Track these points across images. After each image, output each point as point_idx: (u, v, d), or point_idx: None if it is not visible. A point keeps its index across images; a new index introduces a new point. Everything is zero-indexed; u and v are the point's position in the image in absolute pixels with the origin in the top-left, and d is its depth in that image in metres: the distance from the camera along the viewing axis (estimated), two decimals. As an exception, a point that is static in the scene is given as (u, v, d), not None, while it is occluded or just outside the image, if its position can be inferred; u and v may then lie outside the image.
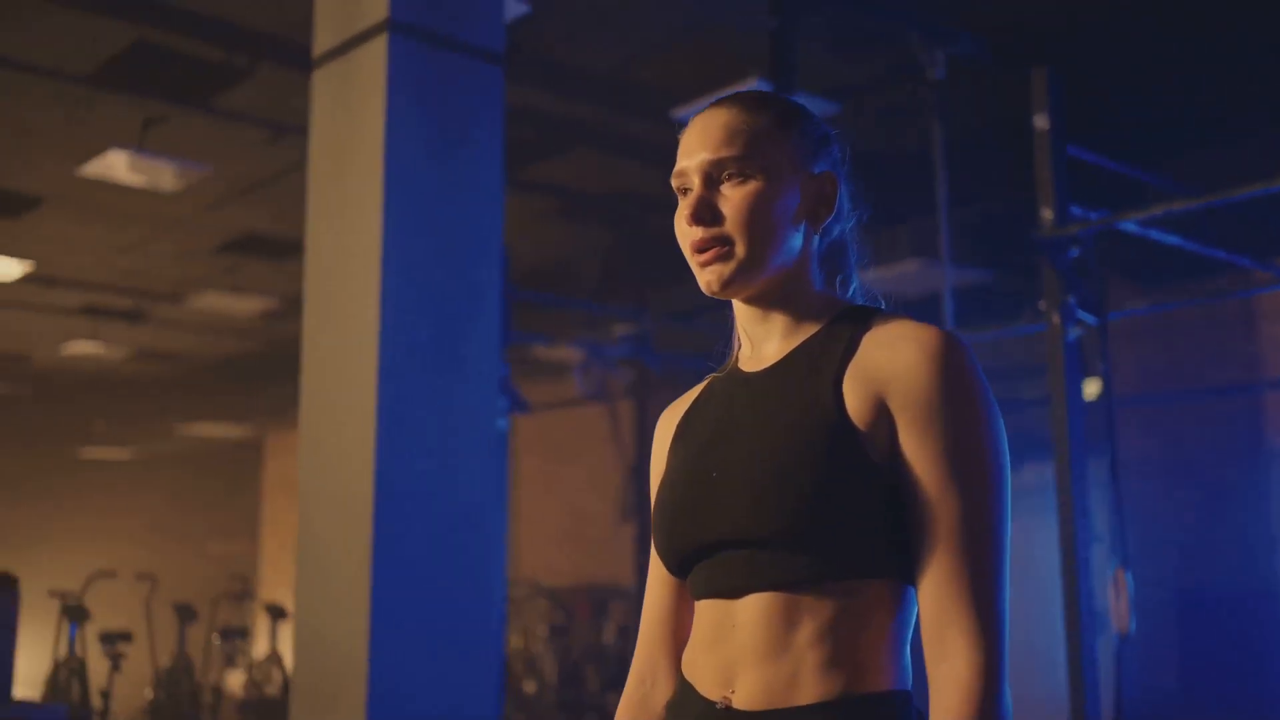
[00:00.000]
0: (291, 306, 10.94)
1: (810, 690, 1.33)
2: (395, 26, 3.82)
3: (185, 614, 8.91)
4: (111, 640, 8.18)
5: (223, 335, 12.93)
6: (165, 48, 6.65)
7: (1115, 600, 4.10)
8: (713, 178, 1.47)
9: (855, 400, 1.37)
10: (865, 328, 1.44)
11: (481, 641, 3.83)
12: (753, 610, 1.37)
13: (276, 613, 9.78)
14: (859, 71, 6.72)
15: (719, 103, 1.51)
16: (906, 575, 1.37)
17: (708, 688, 1.40)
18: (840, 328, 1.46)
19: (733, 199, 1.45)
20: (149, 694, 8.74)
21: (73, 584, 9.35)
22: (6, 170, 8.49)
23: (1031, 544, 6.31)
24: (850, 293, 1.56)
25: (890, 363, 1.37)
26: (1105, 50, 6.33)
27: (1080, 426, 4.20)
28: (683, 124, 6.58)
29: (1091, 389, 4.69)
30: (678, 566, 1.46)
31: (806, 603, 1.35)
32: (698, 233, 1.46)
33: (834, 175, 1.52)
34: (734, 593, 1.39)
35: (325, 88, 4.06)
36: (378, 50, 3.83)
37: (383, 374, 3.69)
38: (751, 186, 1.45)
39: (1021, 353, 6.85)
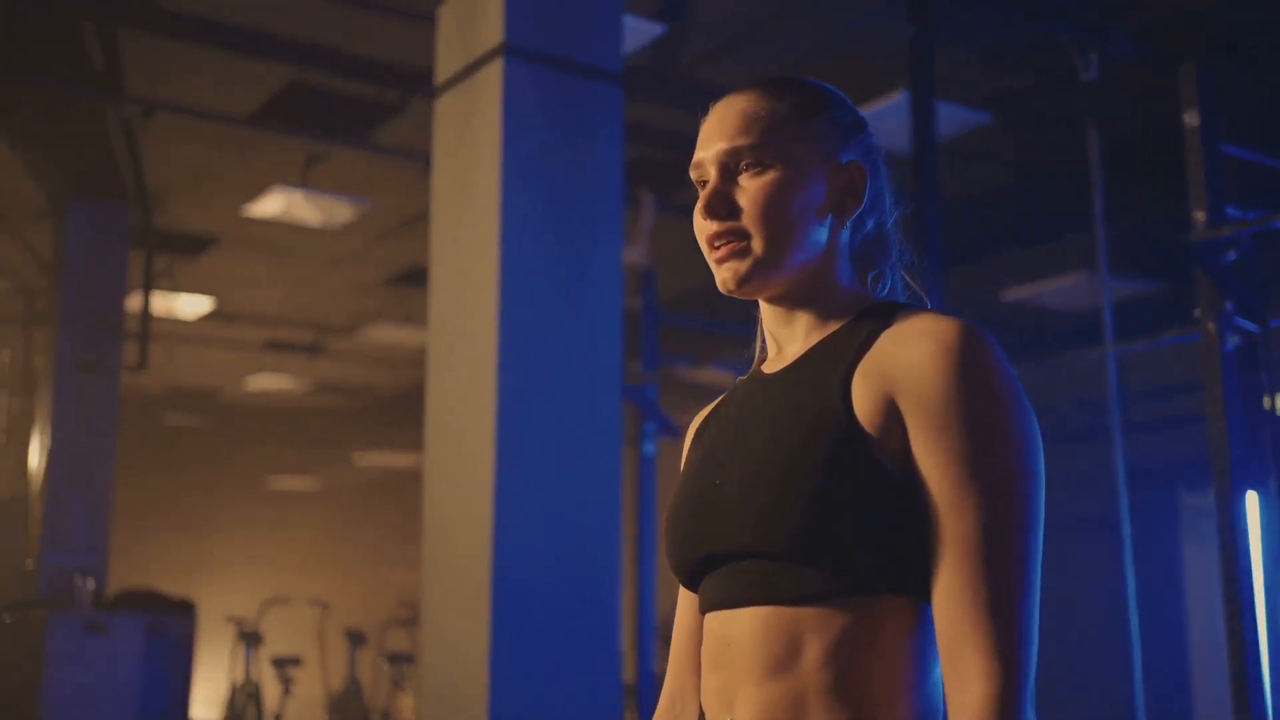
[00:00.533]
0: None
1: (820, 715, 1.23)
2: (511, 50, 3.83)
3: (356, 639, 9.11)
4: (283, 664, 8.40)
5: (396, 366, 13.25)
6: (320, 87, 6.85)
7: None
8: (729, 169, 1.38)
9: (864, 401, 1.26)
10: (886, 324, 1.31)
11: (602, 666, 3.77)
12: (754, 626, 1.27)
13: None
14: (1009, 80, 6.49)
15: (740, 89, 1.43)
16: (929, 592, 1.24)
17: (711, 710, 1.31)
18: (861, 325, 1.34)
19: (750, 190, 1.36)
20: (320, 717, 8.95)
21: (248, 610, 9.65)
22: (181, 212, 8.87)
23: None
24: (885, 290, 1.46)
25: (903, 359, 1.25)
26: (1268, 43, 5.98)
27: (1241, 443, 3.93)
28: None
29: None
30: (687, 579, 1.38)
31: (812, 620, 1.23)
32: (712, 226, 1.37)
33: (862, 165, 1.40)
34: (735, 607, 1.29)
35: (447, 115, 4.10)
36: (494, 75, 3.84)
37: (502, 401, 3.68)
38: (770, 177, 1.35)
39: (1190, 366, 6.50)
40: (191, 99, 6.99)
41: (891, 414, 1.24)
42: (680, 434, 6.55)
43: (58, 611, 7.10)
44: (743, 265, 1.36)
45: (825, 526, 1.22)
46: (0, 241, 9.47)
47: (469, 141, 3.91)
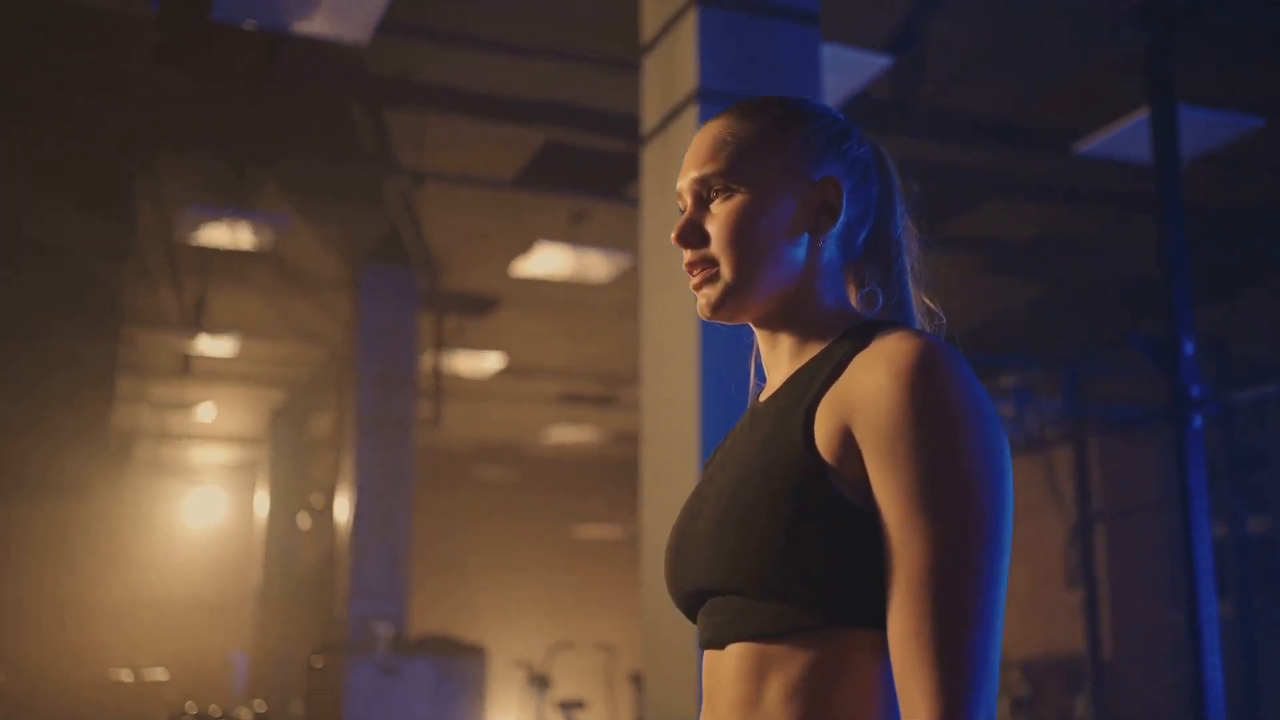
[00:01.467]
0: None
1: None
2: (705, 95, 3.87)
3: (640, 683, 9.24)
4: (570, 707, 8.63)
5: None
6: (574, 146, 7.09)
7: None
8: (701, 196, 1.37)
9: (824, 431, 1.21)
10: (862, 346, 1.26)
11: None
12: (731, 663, 1.24)
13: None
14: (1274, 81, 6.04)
15: (717, 114, 1.42)
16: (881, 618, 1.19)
17: None
18: (838, 348, 1.29)
19: (718, 216, 1.34)
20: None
21: (537, 654, 9.96)
22: (462, 274, 9.35)
23: None
24: (878, 308, 1.39)
25: (861, 384, 1.20)
26: None
27: None
28: (1084, 159, 6.17)
29: None
30: (685, 613, 1.36)
31: (778, 655, 1.20)
32: (687, 255, 1.36)
33: (837, 179, 1.35)
34: (718, 644, 1.27)
35: (652, 163, 4.18)
36: (689, 121, 3.89)
37: (704, 442, 3.70)
38: (735, 201, 1.34)
39: None
40: (457, 167, 7.38)
41: (849, 443, 1.20)
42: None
43: (358, 655, 7.56)
44: (714, 292, 1.34)
45: (785, 564, 1.18)
46: (308, 308, 10.22)
47: (669, 190, 3.97)
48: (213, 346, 10.75)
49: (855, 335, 1.30)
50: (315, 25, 5.31)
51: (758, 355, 1.44)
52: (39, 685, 14.63)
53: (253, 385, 12.89)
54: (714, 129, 1.38)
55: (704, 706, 1.30)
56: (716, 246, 1.34)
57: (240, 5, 5.08)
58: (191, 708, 10.13)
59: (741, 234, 1.32)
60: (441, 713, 7.56)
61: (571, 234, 8.18)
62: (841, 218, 1.36)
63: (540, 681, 8.99)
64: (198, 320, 10.10)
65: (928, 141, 6.82)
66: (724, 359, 3.77)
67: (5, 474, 13.36)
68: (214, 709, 10.07)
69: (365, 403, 9.11)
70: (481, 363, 11.23)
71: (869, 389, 1.19)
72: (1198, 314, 4.64)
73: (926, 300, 1.43)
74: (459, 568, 15.23)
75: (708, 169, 1.35)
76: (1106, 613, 9.54)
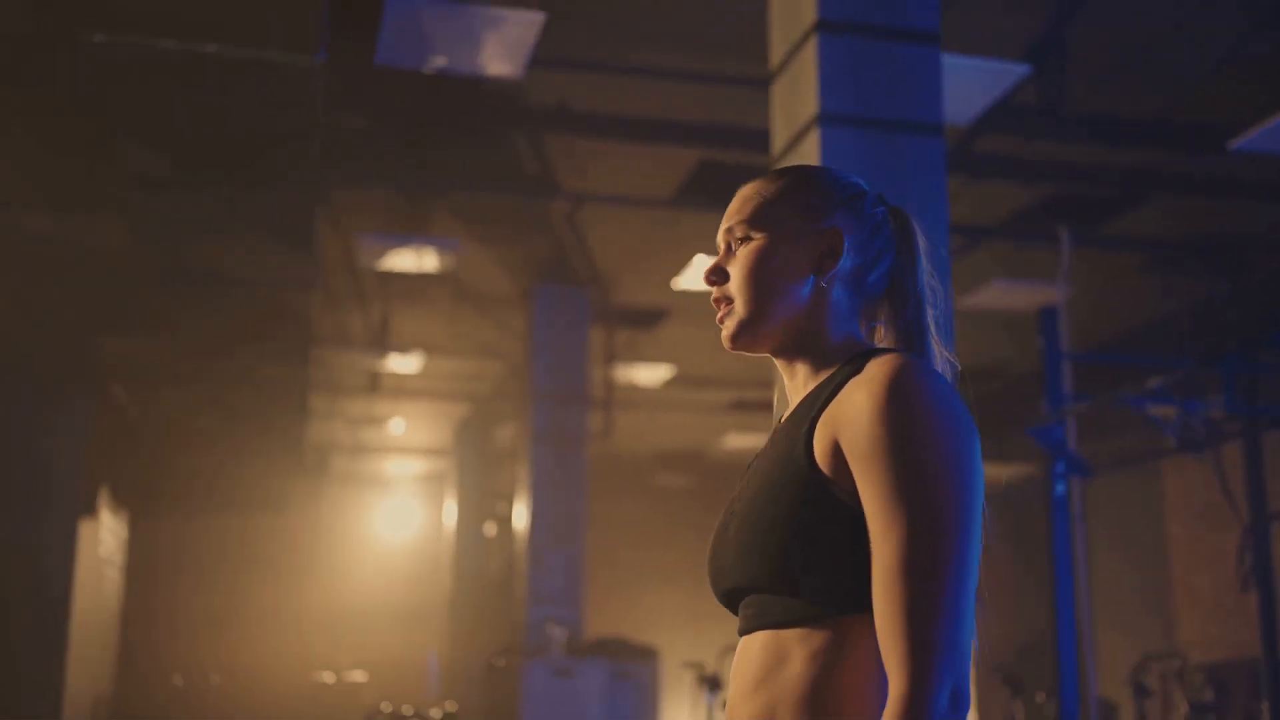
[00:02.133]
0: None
1: None
2: (827, 118, 4.05)
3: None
4: (739, 709, 8.82)
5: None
6: (725, 163, 7.31)
7: None
8: (729, 244, 1.58)
9: (820, 447, 1.40)
10: (857, 370, 1.44)
11: None
12: (757, 647, 1.44)
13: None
14: None
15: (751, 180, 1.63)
16: None
17: (729, 717, 1.49)
18: (839, 373, 1.48)
19: (737, 259, 1.56)
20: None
21: (707, 656, 10.19)
22: (629, 289, 9.65)
23: None
24: (880, 339, 1.58)
25: (846, 404, 1.39)
26: None
27: None
28: (1238, 155, 6.12)
29: None
30: (728, 608, 1.56)
31: (793, 641, 1.40)
32: (713, 293, 1.58)
33: (840, 229, 1.54)
34: (748, 632, 1.47)
35: (780, 185, 4.38)
36: (812, 144, 4.07)
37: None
38: (751, 246, 1.55)
39: None
40: (617, 188, 7.68)
41: (841, 456, 1.39)
42: (1091, 472, 6.38)
43: (533, 658, 7.92)
44: (731, 325, 1.56)
45: (796, 565, 1.39)
46: (485, 326, 10.67)
47: (796, 208, 4.16)
48: (399, 364, 11.31)
49: (854, 361, 1.49)
50: (471, 63, 5.66)
51: (781, 383, 1.64)
52: (250, 686, 15.52)
53: (438, 400, 13.46)
54: (746, 189, 1.60)
55: (732, 684, 1.50)
56: (733, 284, 1.56)
57: (401, 49, 5.46)
58: (386, 707, 10.68)
59: (754, 273, 1.54)
60: (614, 713, 7.85)
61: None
62: (845, 262, 1.55)
63: (711, 683, 9.23)
64: (383, 340, 10.66)
65: (1078, 145, 6.82)
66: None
67: (214, 491, 14.25)
68: (407, 708, 10.60)
69: (540, 416, 9.49)
70: (652, 374, 11.51)
71: (852, 407, 1.39)
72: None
73: (944, 353, 1.60)
74: (634, 573, 15.60)
75: (733, 220, 1.58)
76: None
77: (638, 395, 12.30)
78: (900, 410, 1.35)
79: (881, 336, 1.60)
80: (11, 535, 9.97)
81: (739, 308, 1.55)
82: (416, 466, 17.25)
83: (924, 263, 1.61)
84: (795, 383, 1.57)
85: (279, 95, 4.79)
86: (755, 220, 1.55)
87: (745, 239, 1.56)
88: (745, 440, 14.42)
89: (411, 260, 8.07)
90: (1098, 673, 13.14)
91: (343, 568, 17.15)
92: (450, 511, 15.49)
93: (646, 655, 8.42)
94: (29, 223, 7.05)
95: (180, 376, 10.39)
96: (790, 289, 1.54)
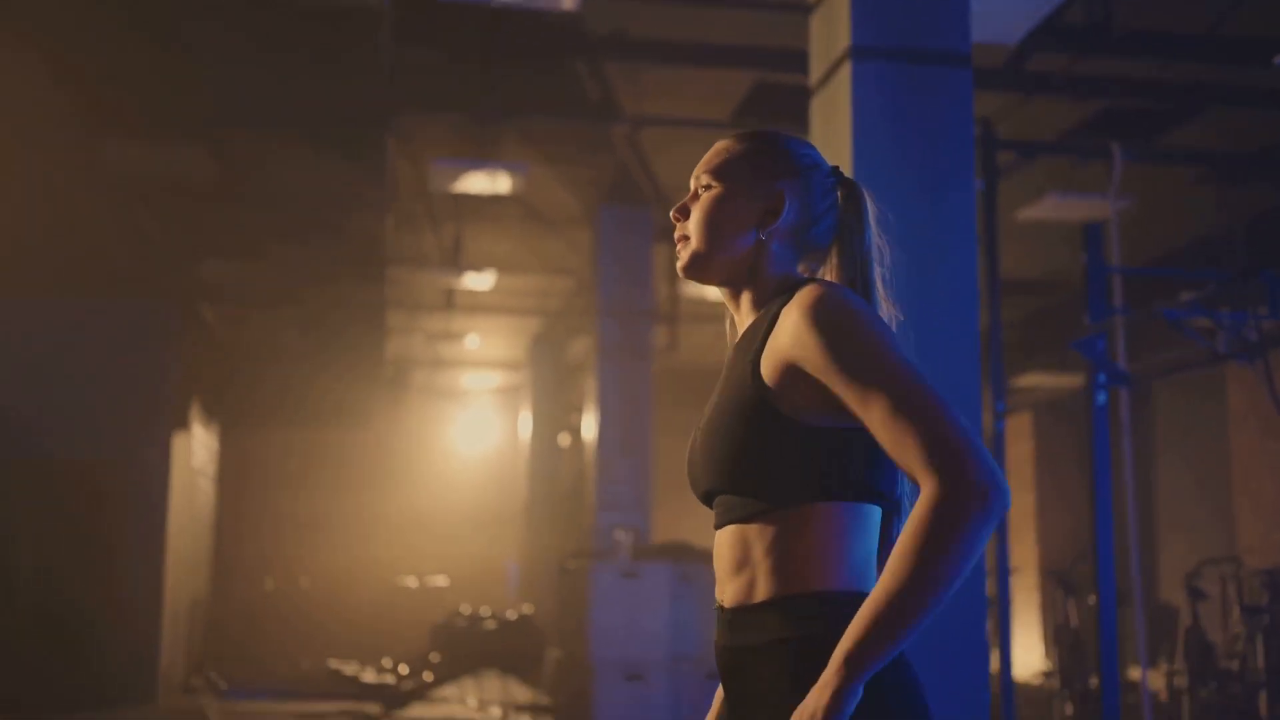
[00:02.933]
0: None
1: (762, 592, 1.70)
2: (858, 53, 4.29)
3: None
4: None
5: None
6: (779, 85, 7.54)
7: None
8: (696, 190, 1.87)
9: (769, 369, 1.70)
10: (788, 299, 1.72)
11: (969, 641, 4.15)
12: (727, 538, 1.76)
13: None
14: None
15: (726, 136, 1.92)
16: (834, 494, 1.68)
17: (718, 595, 1.83)
18: (774, 305, 1.76)
19: (699, 203, 1.85)
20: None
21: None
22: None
23: None
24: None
25: (787, 332, 1.68)
26: None
27: None
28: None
29: None
30: (706, 506, 1.88)
31: (755, 531, 1.71)
32: (676, 229, 1.88)
33: (783, 192, 1.81)
34: (720, 527, 1.79)
35: (817, 114, 4.63)
36: (844, 77, 4.32)
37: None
38: (711, 194, 1.83)
39: None
40: (676, 111, 7.94)
41: (789, 373, 1.68)
42: (1124, 383, 6.61)
43: (601, 561, 8.35)
44: (685, 256, 1.85)
45: (748, 469, 1.71)
46: (554, 244, 11.02)
47: (833, 143, 4.41)
48: (472, 281, 11.72)
49: (783, 291, 1.78)
50: (531, -2, 5.94)
51: (730, 313, 1.92)
52: (337, 590, 16.28)
53: (511, 315, 13.87)
54: (718, 144, 1.89)
55: (716, 570, 1.83)
56: (691, 224, 1.84)
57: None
58: (465, 609, 11.27)
59: (706, 218, 1.82)
60: (677, 613, 8.27)
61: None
62: (785, 220, 1.83)
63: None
64: (456, 259, 11.06)
65: (1127, 61, 6.95)
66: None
67: (299, 405, 14.85)
68: (484, 609, 11.18)
69: (607, 331, 9.85)
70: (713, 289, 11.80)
71: (790, 330, 1.68)
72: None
73: (889, 306, 1.86)
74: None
75: (701, 169, 1.87)
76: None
77: (703, 309, 12.61)
78: (830, 321, 1.64)
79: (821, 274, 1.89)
80: (113, 447, 10.61)
81: (693, 243, 1.83)
82: (492, 380, 17.75)
83: (873, 226, 1.88)
84: (740, 314, 1.86)
85: (349, 32, 5.12)
86: (717, 173, 1.84)
87: (708, 187, 1.85)
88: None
89: (482, 183, 8.41)
90: (1160, 577, 13.40)
91: (423, 478, 17.78)
92: (525, 423, 15.98)
93: (709, 559, 8.82)
94: (127, 153, 7.50)
95: (266, 298, 10.88)
96: (735, 236, 1.82)
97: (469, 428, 18.54)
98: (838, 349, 1.63)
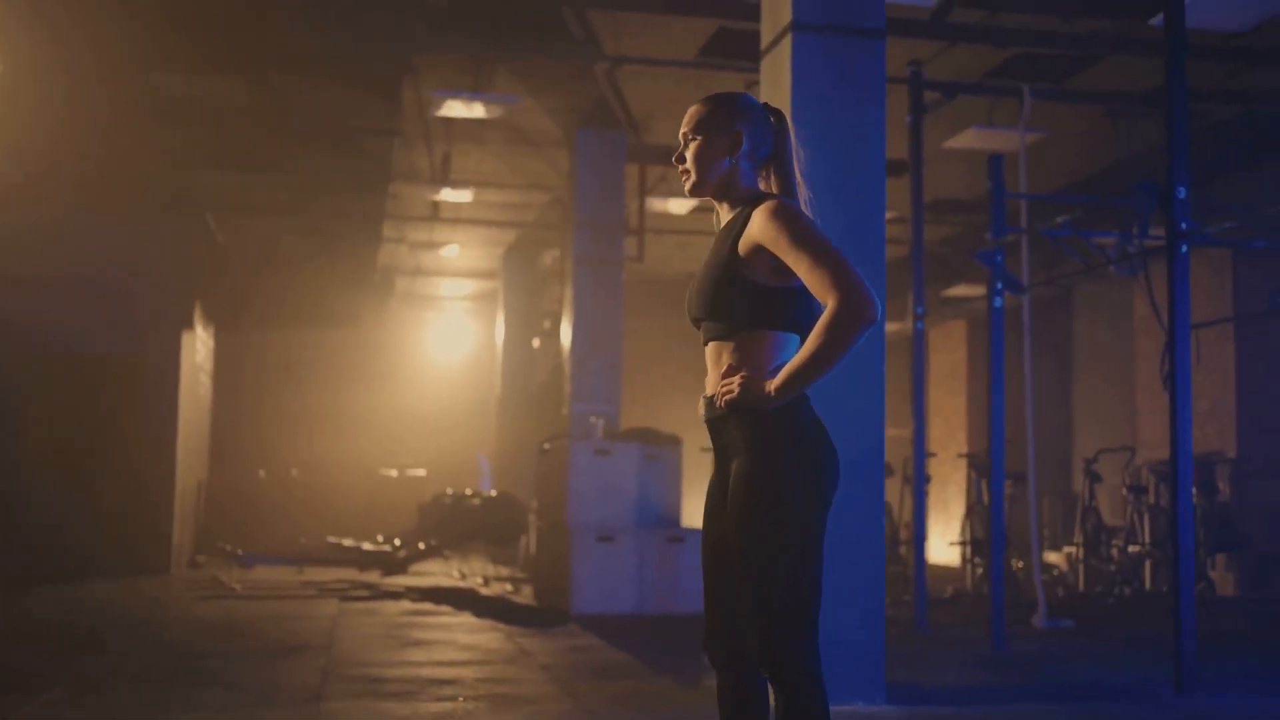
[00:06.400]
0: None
1: (731, 376, 2.96)
2: (799, 26, 5.51)
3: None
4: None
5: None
6: (740, 31, 8.72)
7: None
8: (684, 139, 3.06)
9: (743, 248, 2.87)
10: (755, 206, 2.91)
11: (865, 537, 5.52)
12: (711, 350, 2.98)
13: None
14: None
15: (695, 102, 3.10)
16: (773, 326, 2.85)
17: (707, 387, 3.07)
18: (746, 210, 2.95)
19: (690, 149, 3.04)
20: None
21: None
22: (662, 130, 11.13)
23: None
24: (772, 190, 3.10)
25: (756, 225, 2.85)
26: None
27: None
28: (1154, 27, 7.48)
29: None
30: (696, 328, 3.08)
31: (727, 346, 2.93)
32: (679, 167, 3.07)
33: (740, 130, 2.98)
34: (706, 343, 3.01)
35: (766, 74, 5.86)
36: (786, 46, 5.54)
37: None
38: (696, 141, 3.02)
39: None
40: (649, 51, 9.12)
41: (755, 250, 2.85)
42: (1019, 291, 7.93)
43: (578, 441, 9.67)
44: (688, 184, 3.05)
45: (723, 305, 2.91)
46: (534, 164, 12.20)
47: (778, 94, 5.64)
48: (455, 195, 12.87)
49: (754, 202, 2.98)
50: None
51: (716, 211, 3.13)
52: (324, 479, 17.58)
53: (489, 227, 15.02)
54: (694, 109, 3.06)
55: (708, 371, 3.02)
56: (689, 162, 3.04)
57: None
58: (449, 490, 12.55)
59: (697, 157, 3.01)
60: (645, 486, 9.61)
61: (745, 99, 9.85)
62: (744, 148, 3.02)
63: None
64: (444, 175, 12.21)
65: (1033, 14, 8.22)
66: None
67: (296, 307, 16.01)
68: (468, 490, 12.47)
69: (582, 243, 11.08)
70: (677, 205, 13.02)
71: (759, 224, 2.85)
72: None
73: (804, 192, 3.07)
74: (663, 379, 17.50)
75: (686, 126, 3.05)
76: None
77: (666, 223, 13.85)
78: (781, 221, 2.83)
79: (769, 185, 3.11)
80: (127, 344, 11.82)
81: (692, 175, 3.02)
82: (469, 287, 18.93)
83: (792, 143, 3.08)
84: (722, 212, 3.08)
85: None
86: (697, 128, 3.03)
87: (693, 137, 3.05)
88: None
89: (477, 110, 9.58)
90: (1075, 468, 14.89)
91: (404, 377, 19.06)
92: (499, 327, 17.22)
93: (672, 441, 10.15)
94: (170, 82, 8.60)
95: (270, 208, 12.00)
96: (716, 164, 3.01)
97: (447, 331, 19.81)
98: (785, 233, 2.82)
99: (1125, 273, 8.55)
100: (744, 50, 9.03)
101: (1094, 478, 11.53)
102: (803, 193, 3.06)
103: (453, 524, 11.58)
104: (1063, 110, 9.94)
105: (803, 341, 2.82)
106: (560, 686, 5.91)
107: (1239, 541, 11.08)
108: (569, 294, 11.19)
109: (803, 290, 2.85)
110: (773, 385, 2.77)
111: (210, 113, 9.05)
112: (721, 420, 2.91)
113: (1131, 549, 11.00)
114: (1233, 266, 11.82)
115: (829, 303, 2.71)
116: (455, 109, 9.63)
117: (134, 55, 8.15)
